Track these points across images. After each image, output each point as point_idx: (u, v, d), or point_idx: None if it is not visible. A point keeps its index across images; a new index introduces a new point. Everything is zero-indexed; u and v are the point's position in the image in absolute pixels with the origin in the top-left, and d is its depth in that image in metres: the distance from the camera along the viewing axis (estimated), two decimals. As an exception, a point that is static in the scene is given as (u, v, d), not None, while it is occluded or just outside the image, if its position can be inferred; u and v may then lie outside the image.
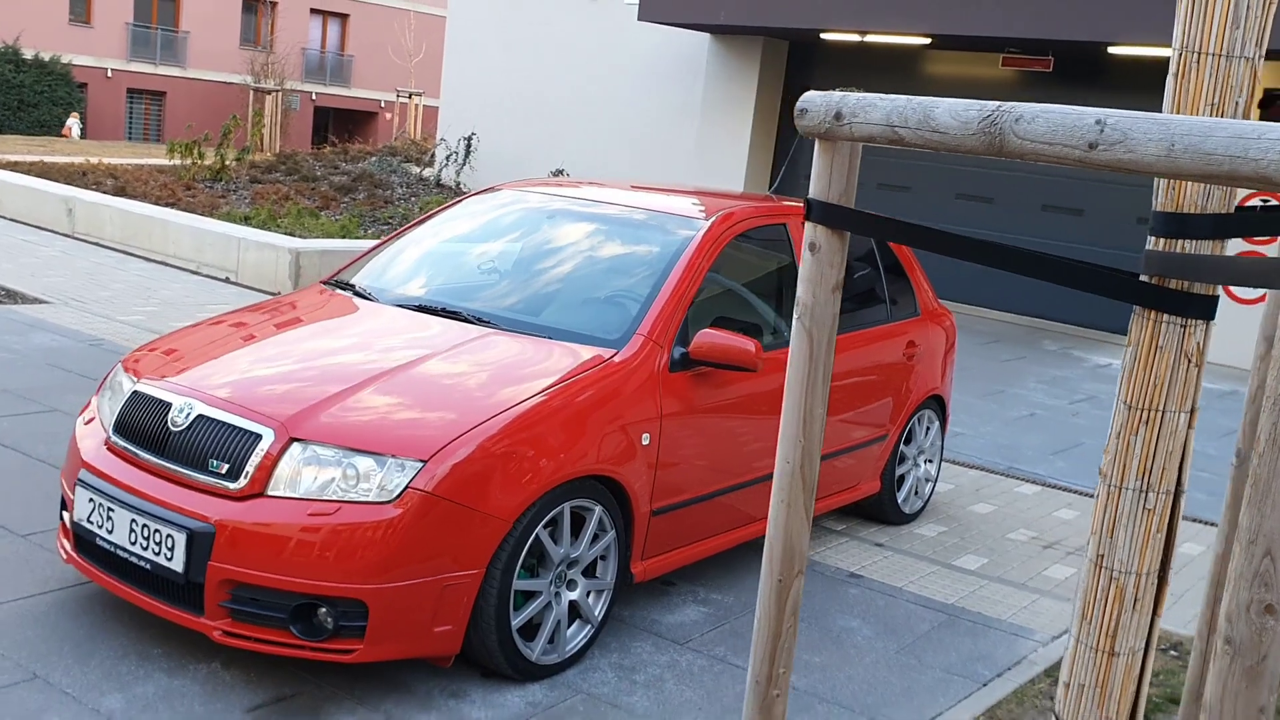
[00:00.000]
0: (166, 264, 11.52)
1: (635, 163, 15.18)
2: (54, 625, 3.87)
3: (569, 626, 3.92)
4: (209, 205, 13.66)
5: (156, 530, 3.51)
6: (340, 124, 39.42)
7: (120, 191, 13.81)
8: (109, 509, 3.64)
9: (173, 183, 15.03)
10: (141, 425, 3.78)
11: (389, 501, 3.42)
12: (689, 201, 5.10)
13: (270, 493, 3.48)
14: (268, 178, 16.50)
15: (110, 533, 3.64)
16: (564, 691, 3.81)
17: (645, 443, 4.06)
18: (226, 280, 10.98)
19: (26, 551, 4.42)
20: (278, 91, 27.43)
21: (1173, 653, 4.62)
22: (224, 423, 3.61)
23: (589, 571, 3.98)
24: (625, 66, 15.42)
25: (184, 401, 3.72)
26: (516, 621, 3.69)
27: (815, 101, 1.72)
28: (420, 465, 3.46)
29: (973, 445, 7.59)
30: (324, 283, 4.95)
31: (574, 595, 3.91)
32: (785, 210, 5.14)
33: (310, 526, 3.40)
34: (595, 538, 3.94)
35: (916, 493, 5.91)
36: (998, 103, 1.47)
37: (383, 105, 38.78)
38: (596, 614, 4.00)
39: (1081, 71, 12.33)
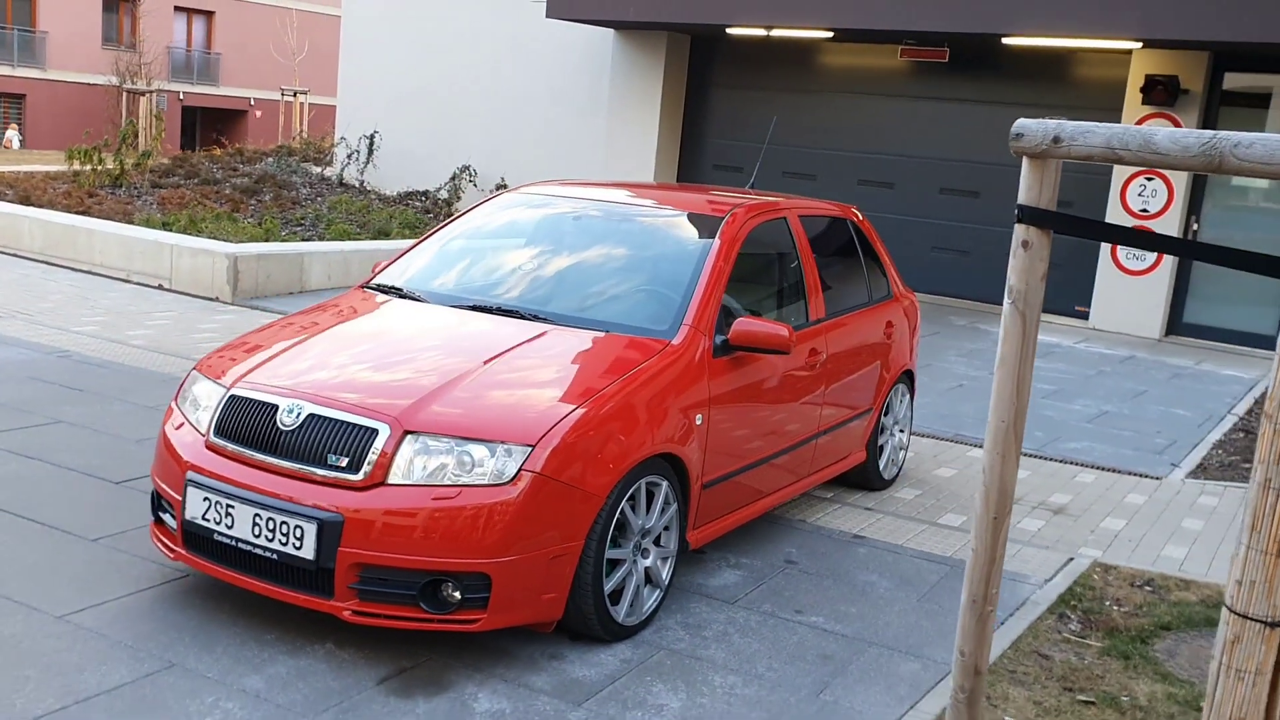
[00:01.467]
0: (94, 273, 11.44)
1: (543, 158, 15.48)
2: (163, 618, 4.11)
3: (644, 590, 4.32)
4: (120, 212, 13.50)
5: (283, 522, 3.79)
6: (208, 124, 38.61)
7: (25, 200, 13.56)
8: (227, 506, 3.90)
9: (74, 190, 14.77)
10: (247, 426, 4.04)
11: (506, 483, 3.77)
12: (700, 199, 5.52)
13: (390, 482, 3.80)
14: (167, 182, 16.29)
15: (230, 527, 3.90)
16: (648, 649, 4.21)
17: (699, 423, 4.48)
18: (160, 288, 10.97)
19: (104, 555, 4.62)
20: (153, 93, 26.82)
21: (1147, 588, 5.25)
22: (338, 420, 3.90)
23: (656, 541, 4.38)
24: (529, 62, 15.71)
25: (291, 403, 4.00)
26: (608, 588, 4.08)
27: (1031, 128, 2.15)
28: (529, 449, 3.82)
29: (917, 416, 8.18)
30: (365, 287, 5.23)
31: (648, 562, 4.32)
32: (783, 205, 5.60)
33: (435, 510, 3.74)
34: (662, 510, 4.35)
35: (893, 460, 6.46)
36: (1213, 131, 1.91)
37: (252, 103, 38.11)
38: (665, 579, 4.42)
39: (976, 62, 13.09)
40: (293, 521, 3.78)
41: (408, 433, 3.85)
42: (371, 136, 16.98)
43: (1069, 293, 12.75)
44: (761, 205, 5.40)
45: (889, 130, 13.73)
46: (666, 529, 4.41)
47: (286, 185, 16.60)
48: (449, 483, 3.79)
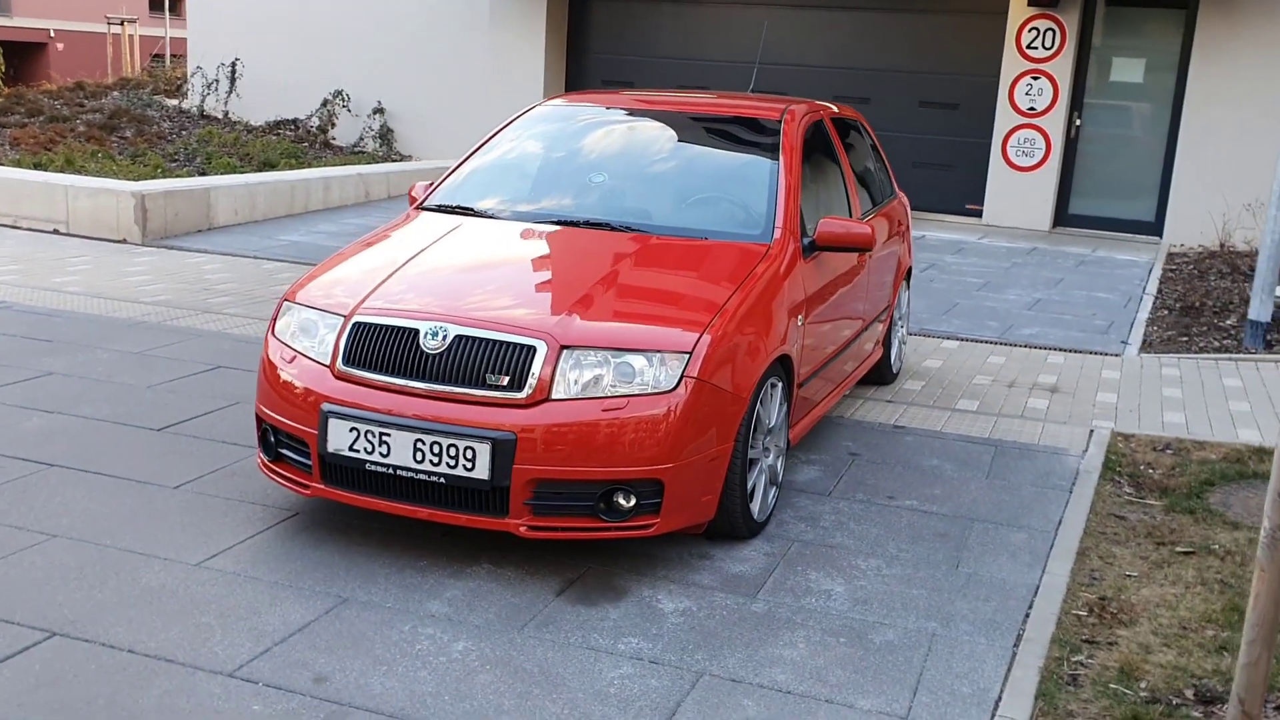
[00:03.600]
0: (-28, 221, 10.67)
1: (423, 79, 15.10)
2: (304, 557, 4.01)
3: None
4: (-30, 155, 12.58)
5: (451, 445, 3.74)
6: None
7: None
8: (381, 434, 3.81)
9: (-94, 134, 13.64)
10: (384, 353, 3.93)
11: (669, 391, 3.81)
12: (741, 103, 5.52)
13: (555, 397, 3.78)
14: (9, 121, 15.22)
15: (386, 455, 3.82)
16: (781, 543, 4.35)
17: (800, 324, 4.59)
18: (56, 232, 10.32)
19: (197, 501, 4.45)
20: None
21: (1168, 451, 5.65)
22: (492, 340, 3.84)
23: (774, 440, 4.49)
24: (400, -19, 15.21)
25: (433, 325, 3.91)
26: (749, 485, 4.18)
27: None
28: (687, 356, 3.86)
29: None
30: (421, 208, 5.09)
31: (769, 460, 4.43)
32: (820, 106, 5.69)
33: (606, 420, 3.75)
34: (779, 409, 4.46)
35: (899, 355, 6.71)
36: None
37: (52, 35, 35.54)
38: (780, 475, 4.54)
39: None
40: (462, 444, 3.73)
41: (564, 348, 3.84)
42: (233, 64, 16.19)
43: (960, 192, 13.28)
44: (805, 107, 5.48)
45: (780, 40, 13.89)
46: (779, 429, 4.52)
47: (145, 120, 15.70)
48: (611, 393, 3.81)
